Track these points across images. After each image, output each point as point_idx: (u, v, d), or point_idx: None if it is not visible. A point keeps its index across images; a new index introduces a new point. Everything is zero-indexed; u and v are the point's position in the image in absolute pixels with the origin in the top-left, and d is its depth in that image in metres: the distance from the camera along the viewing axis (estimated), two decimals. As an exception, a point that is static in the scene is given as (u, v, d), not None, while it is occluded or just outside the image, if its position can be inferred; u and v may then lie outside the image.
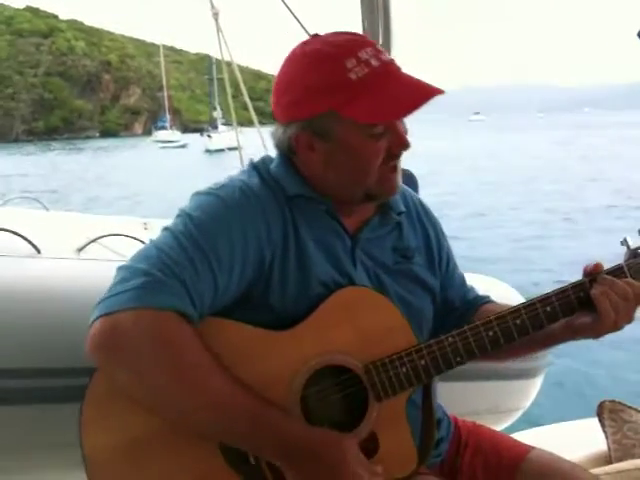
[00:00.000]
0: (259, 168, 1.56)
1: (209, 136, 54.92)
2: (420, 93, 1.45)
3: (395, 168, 1.52)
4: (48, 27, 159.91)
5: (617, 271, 1.53)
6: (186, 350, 1.29)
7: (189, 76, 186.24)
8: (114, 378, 1.32)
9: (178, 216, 1.43)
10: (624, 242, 1.57)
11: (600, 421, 2.45)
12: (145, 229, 2.82)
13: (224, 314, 1.42)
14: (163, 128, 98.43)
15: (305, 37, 1.54)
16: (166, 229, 1.41)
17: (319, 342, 1.44)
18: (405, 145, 1.49)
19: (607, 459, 2.39)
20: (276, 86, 1.53)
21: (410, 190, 1.82)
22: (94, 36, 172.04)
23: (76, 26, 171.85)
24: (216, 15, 4.28)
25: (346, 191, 1.53)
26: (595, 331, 1.50)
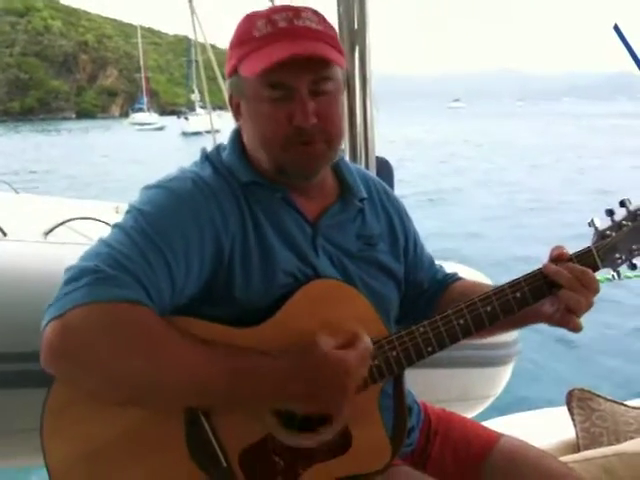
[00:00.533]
0: (212, 158, 1.53)
1: (186, 118, 54.61)
2: (300, 50, 1.39)
3: (304, 143, 1.45)
4: (24, 6, 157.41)
5: (585, 254, 1.53)
6: (144, 326, 1.25)
7: (167, 58, 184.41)
8: (78, 382, 1.28)
9: (128, 212, 1.39)
10: (591, 223, 1.55)
11: (569, 409, 2.48)
12: (117, 212, 2.80)
13: (188, 311, 1.39)
14: (140, 110, 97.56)
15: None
16: (116, 226, 1.37)
17: (288, 338, 1.40)
18: (304, 118, 1.41)
19: (575, 447, 2.42)
20: None
21: (372, 175, 1.81)
22: (71, 15, 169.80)
23: (52, 5, 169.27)
24: None
25: (262, 162, 1.50)
26: (561, 319, 1.50)
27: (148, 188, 1.44)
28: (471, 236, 14.88)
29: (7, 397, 1.76)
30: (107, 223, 2.25)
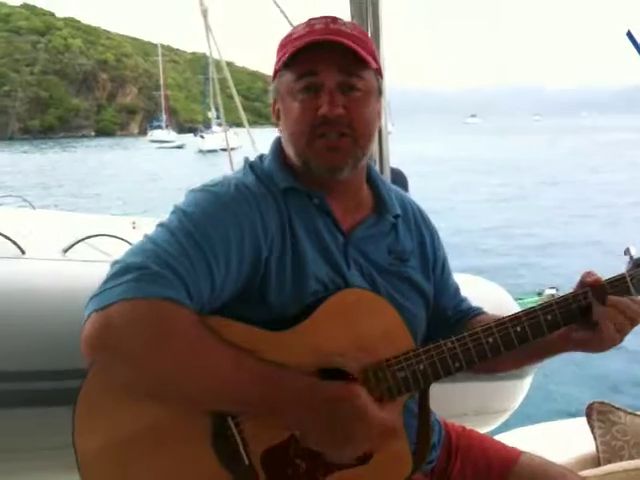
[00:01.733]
0: (254, 166, 1.57)
1: (202, 137, 54.97)
2: (328, 39, 1.44)
3: (323, 136, 1.47)
4: (45, 25, 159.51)
5: (619, 281, 1.53)
6: (183, 328, 1.28)
7: (185, 76, 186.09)
8: (115, 374, 1.31)
9: (173, 212, 1.43)
10: (627, 252, 1.56)
11: (589, 422, 2.45)
12: (133, 228, 2.81)
13: (222, 311, 1.41)
14: (159, 128, 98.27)
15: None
16: (161, 225, 1.40)
17: (317, 344, 1.42)
18: (329, 109, 1.44)
19: (595, 461, 2.39)
20: None
21: (410, 197, 1.82)
22: (91, 34, 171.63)
23: (73, 24, 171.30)
24: (205, 12, 4.27)
25: (293, 161, 1.54)
26: (596, 347, 1.51)
27: (193, 191, 1.48)
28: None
29: (24, 416, 1.75)
30: (125, 239, 2.27)
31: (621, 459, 2.33)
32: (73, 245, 2.24)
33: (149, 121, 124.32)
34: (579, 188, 27.37)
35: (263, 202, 1.46)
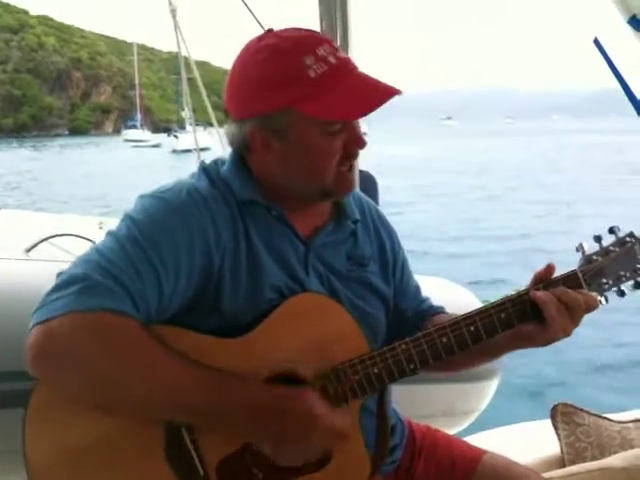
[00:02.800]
0: (209, 170, 1.53)
1: (175, 136, 54.68)
2: (378, 93, 1.45)
3: (352, 167, 1.51)
4: (18, 22, 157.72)
5: (571, 277, 1.53)
6: (127, 338, 1.27)
7: (160, 75, 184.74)
8: (58, 385, 1.30)
9: (122, 220, 1.40)
10: (580, 248, 1.56)
11: (553, 424, 2.49)
12: (100, 228, 2.78)
13: (175, 320, 1.39)
14: (134, 127, 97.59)
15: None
16: (109, 233, 1.38)
17: (270, 350, 1.41)
18: (361, 144, 1.49)
19: (560, 462, 2.42)
20: (230, 81, 1.50)
21: (366, 197, 1.81)
22: (65, 32, 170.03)
23: (46, 22, 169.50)
24: (174, 12, 4.25)
25: (302, 189, 1.52)
26: (543, 339, 1.51)
27: (143, 197, 1.45)
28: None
29: None
30: (89, 239, 2.24)
31: (584, 460, 2.37)
32: (36, 245, 2.20)
33: (124, 120, 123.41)
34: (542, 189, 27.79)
35: (215, 208, 1.44)
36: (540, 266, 1.54)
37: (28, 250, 2.19)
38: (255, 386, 1.34)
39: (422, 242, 16.31)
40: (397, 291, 1.74)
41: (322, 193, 1.52)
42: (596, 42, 2.38)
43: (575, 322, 1.49)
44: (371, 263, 1.66)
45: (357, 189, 1.87)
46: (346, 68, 1.46)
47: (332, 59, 1.44)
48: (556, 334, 1.48)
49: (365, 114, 1.44)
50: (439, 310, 1.80)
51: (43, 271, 1.85)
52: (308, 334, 1.45)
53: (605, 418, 2.52)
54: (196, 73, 4.54)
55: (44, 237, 2.27)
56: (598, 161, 40.66)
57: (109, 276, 1.27)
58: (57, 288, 1.27)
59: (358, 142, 1.48)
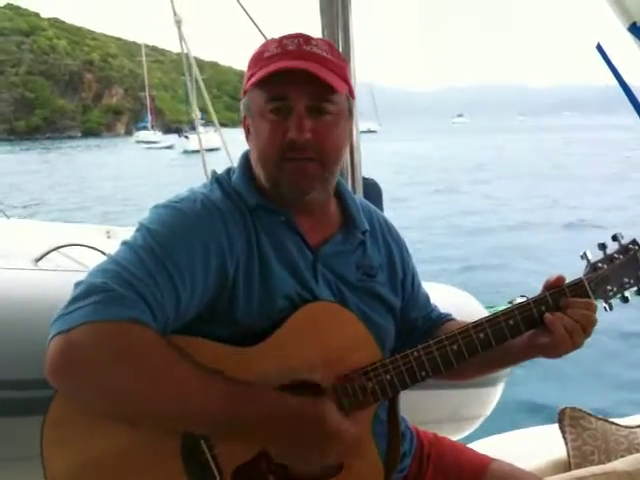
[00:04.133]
0: (221, 180, 1.56)
1: (186, 137, 54.66)
2: (297, 65, 1.44)
3: (291, 160, 1.48)
4: (29, 25, 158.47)
5: (577, 285, 1.56)
6: (147, 349, 1.27)
7: (171, 76, 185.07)
8: (78, 397, 1.30)
9: (137, 230, 1.41)
10: (584, 256, 1.59)
11: (560, 428, 2.48)
12: (108, 237, 2.80)
13: (189, 329, 1.40)
14: (145, 128, 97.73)
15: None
16: (125, 243, 1.39)
17: (285, 359, 1.43)
18: (298, 133, 1.45)
19: (567, 466, 2.42)
20: None
21: (375, 208, 1.82)
22: (76, 35, 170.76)
23: (58, 25, 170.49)
24: (179, 22, 4.27)
25: (262, 181, 1.54)
26: (555, 351, 1.53)
27: (157, 207, 1.46)
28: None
29: None
30: (98, 249, 2.26)
31: (591, 464, 2.36)
32: (45, 255, 2.21)
33: (135, 122, 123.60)
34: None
35: (230, 218, 1.46)
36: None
37: (37, 260, 2.20)
38: (273, 395, 1.35)
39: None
40: (407, 301, 1.76)
41: (273, 184, 1.52)
42: (599, 48, 2.39)
43: (586, 333, 1.51)
44: (379, 273, 1.68)
45: (362, 198, 1.88)
46: (299, 54, 1.48)
47: (291, 47, 1.48)
48: (562, 347, 1.51)
49: (263, 77, 1.45)
50: (448, 318, 1.82)
51: (52, 281, 1.89)
52: (322, 342, 1.47)
53: (612, 422, 2.52)
54: (198, 76, 4.57)
55: (53, 247, 2.28)
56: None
57: (128, 286, 1.28)
58: (77, 298, 1.27)
59: (294, 130, 1.45)
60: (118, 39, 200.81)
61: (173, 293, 1.34)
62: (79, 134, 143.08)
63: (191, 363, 1.31)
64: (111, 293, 1.26)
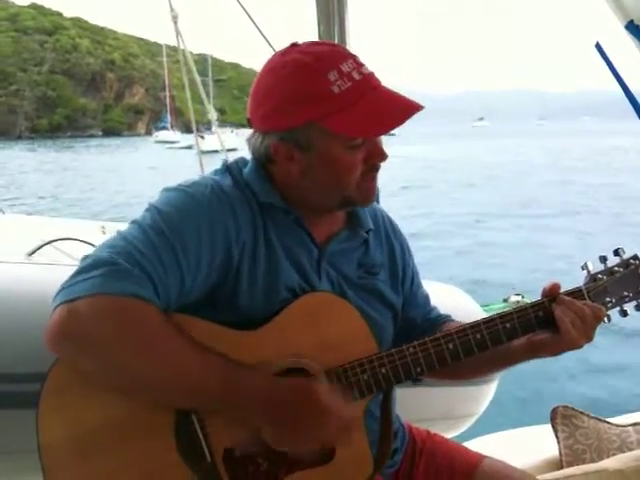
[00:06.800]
0: (232, 169, 1.57)
1: (202, 137, 54.92)
2: (402, 109, 1.47)
3: (373, 178, 1.54)
4: (52, 25, 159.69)
5: (576, 293, 1.58)
6: (148, 323, 1.30)
7: (191, 76, 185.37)
8: (77, 365, 1.32)
9: (147, 210, 1.43)
10: (584, 267, 1.62)
11: (553, 426, 2.49)
12: (103, 233, 2.82)
13: (191, 311, 1.43)
14: (164, 128, 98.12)
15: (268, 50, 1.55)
16: (134, 222, 1.41)
17: (281, 345, 1.45)
18: (383, 157, 1.51)
19: (559, 464, 2.43)
20: (254, 94, 1.53)
21: (379, 207, 1.85)
22: (98, 34, 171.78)
23: (80, 24, 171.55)
24: (175, 18, 4.31)
25: (323, 199, 1.55)
26: (555, 348, 1.55)
27: (168, 190, 1.48)
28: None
29: None
30: (92, 244, 2.27)
31: (583, 462, 2.38)
32: (38, 248, 2.21)
33: (156, 121, 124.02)
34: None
35: (238, 206, 1.48)
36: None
37: (30, 254, 2.21)
38: (268, 378, 1.38)
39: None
40: (407, 300, 1.78)
41: (343, 203, 1.55)
42: (598, 47, 2.39)
43: (588, 335, 1.53)
44: (381, 272, 1.70)
45: None
46: (370, 84, 1.48)
47: (356, 75, 1.46)
48: (568, 344, 1.52)
49: (387, 131, 1.47)
50: (447, 319, 1.84)
51: (45, 275, 1.88)
52: (319, 331, 1.49)
53: (605, 421, 2.53)
54: (192, 65, 4.64)
55: (46, 241, 2.30)
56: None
57: (134, 262, 1.31)
58: (83, 270, 1.30)
59: (379, 155, 1.51)
60: (140, 39, 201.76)
61: (178, 273, 1.37)
62: (100, 133, 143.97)
63: (189, 340, 1.34)
64: (117, 267, 1.29)
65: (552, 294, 1.57)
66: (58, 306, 1.28)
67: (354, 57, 1.50)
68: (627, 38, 2.35)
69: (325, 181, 1.51)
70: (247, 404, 1.35)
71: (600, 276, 1.60)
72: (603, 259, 1.62)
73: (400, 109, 1.47)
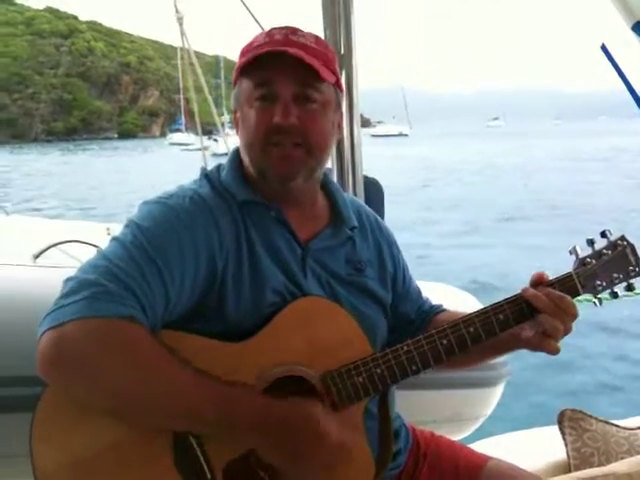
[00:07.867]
0: (210, 177, 1.58)
1: (215, 140, 54.98)
2: (281, 50, 1.46)
3: (276, 145, 1.50)
4: (68, 28, 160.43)
5: (566, 279, 1.57)
6: (139, 347, 1.29)
7: (206, 78, 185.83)
8: (70, 392, 1.31)
9: (126, 226, 1.43)
10: (573, 251, 1.61)
11: (560, 429, 2.48)
12: (108, 234, 2.82)
13: (178, 326, 1.42)
14: (178, 131, 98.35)
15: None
16: (115, 239, 1.41)
17: (275, 353, 1.45)
18: (282, 118, 1.47)
19: (566, 467, 2.41)
20: None
21: (366, 207, 1.84)
22: (113, 37, 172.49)
23: (95, 27, 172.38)
24: (180, 20, 4.34)
25: (249, 170, 1.56)
26: (536, 339, 1.54)
27: (147, 203, 1.48)
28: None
29: None
30: (97, 246, 2.28)
31: (591, 466, 2.35)
32: (44, 251, 2.22)
33: (170, 124, 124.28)
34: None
35: (218, 214, 1.48)
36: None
37: (36, 256, 2.21)
38: (258, 401, 1.37)
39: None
40: (399, 296, 1.78)
41: (259, 171, 1.54)
42: (603, 48, 2.38)
43: (565, 326, 1.51)
44: (368, 268, 1.69)
45: (353, 196, 1.90)
46: (285, 42, 1.50)
47: (279, 37, 1.50)
48: (546, 331, 1.50)
49: (247, 61, 1.48)
50: (440, 310, 1.84)
51: (51, 277, 1.85)
52: (312, 337, 1.48)
53: (613, 424, 2.51)
54: (198, 72, 4.67)
55: (52, 243, 2.30)
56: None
57: (118, 282, 1.30)
58: (68, 293, 1.29)
59: (280, 114, 1.47)
60: (155, 42, 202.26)
61: (162, 289, 1.36)
62: (115, 135, 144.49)
63: (180, 362, 1.33)
64: (102, 288, 1.28)
65: (540, 281, 1.56)
66: (45, 331, 1.27)
67: (297, 29, 1.54)
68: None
69: (241, 141, 1.55)
70: (241, 429, 1.34)
71: (589, 260, 1.59)
72: (590, 242, 1.60)
73: (280, 49, 1.47)
